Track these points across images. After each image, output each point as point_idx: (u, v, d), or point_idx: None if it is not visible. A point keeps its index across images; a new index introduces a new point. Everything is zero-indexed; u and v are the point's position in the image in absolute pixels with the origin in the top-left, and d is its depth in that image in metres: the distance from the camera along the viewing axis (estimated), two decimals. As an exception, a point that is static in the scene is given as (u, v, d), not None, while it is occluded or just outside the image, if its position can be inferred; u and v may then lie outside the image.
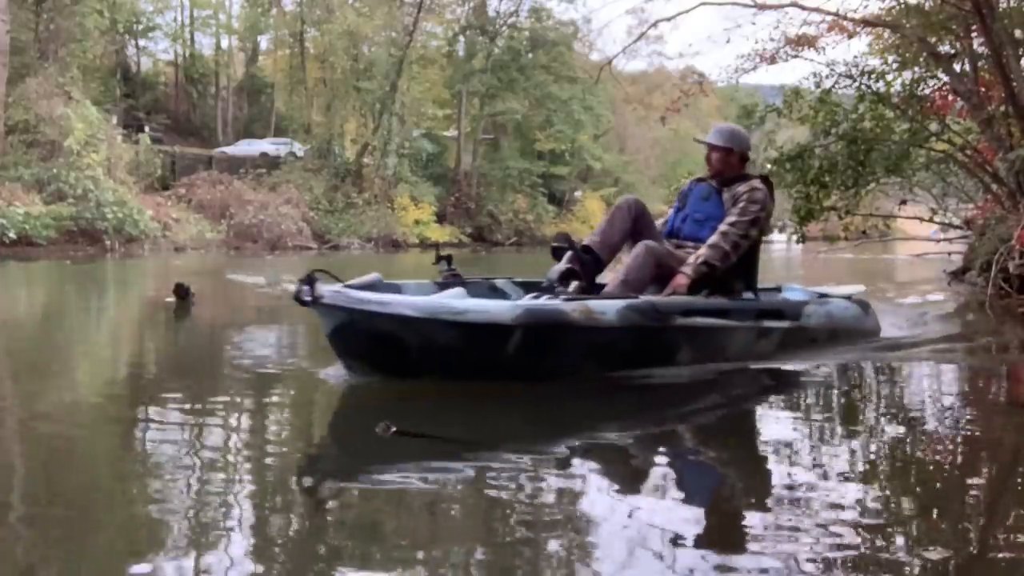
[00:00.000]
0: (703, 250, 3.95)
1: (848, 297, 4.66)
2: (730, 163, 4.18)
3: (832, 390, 3.67)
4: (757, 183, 4.10)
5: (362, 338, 3.19)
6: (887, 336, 4.84)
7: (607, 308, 3.40)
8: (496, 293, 4.11)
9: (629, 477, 2.36)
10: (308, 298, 3.07)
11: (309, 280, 3.10)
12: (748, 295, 4.27)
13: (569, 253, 3.87)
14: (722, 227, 3.98)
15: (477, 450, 2.52)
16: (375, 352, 3.25)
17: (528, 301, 3.43)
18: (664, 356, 3.67)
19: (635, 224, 4.11)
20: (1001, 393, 3.84)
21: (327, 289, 3.12)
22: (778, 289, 4.84)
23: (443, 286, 3.96)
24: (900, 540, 1.83)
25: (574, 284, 3.70)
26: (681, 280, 3.86)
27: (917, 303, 7.61)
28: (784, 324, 4.12)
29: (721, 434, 2.97)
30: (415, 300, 3.26)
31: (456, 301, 3.32)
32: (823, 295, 4.68)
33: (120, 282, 12.34)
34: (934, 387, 3.83)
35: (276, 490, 2.18)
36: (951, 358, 4.51)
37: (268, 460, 2.49)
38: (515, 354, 3.26)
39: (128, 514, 1.99)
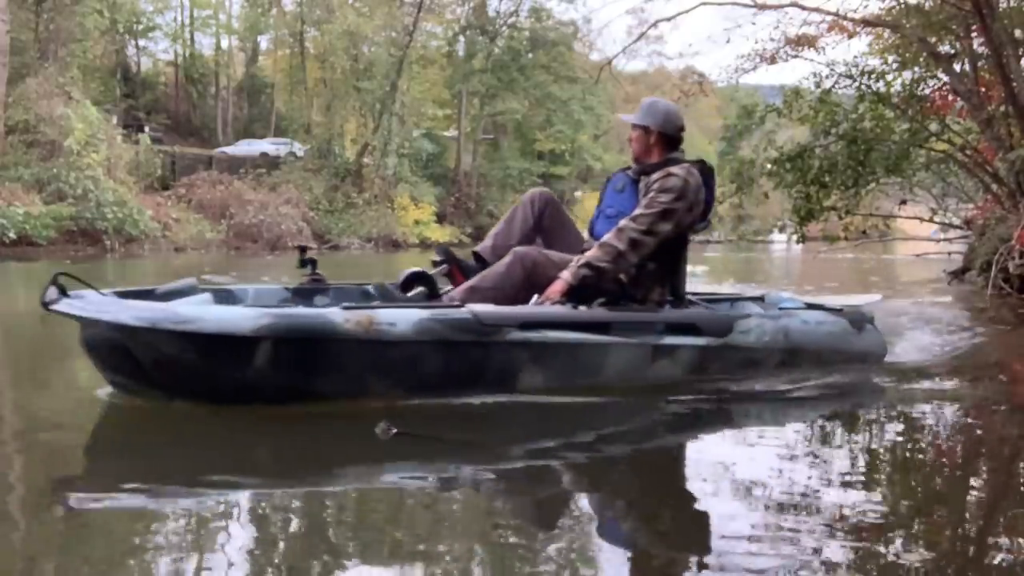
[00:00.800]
0: (592, 250, 3.30)
1: (838, 309, 3.78)
2: (646, 144, 3.50)
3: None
4: (676, 168, 3.38)
5: (103, 350, 2.83)
6: (898, 361, 4.00)
7: (400, 319, 2.83)
8: (366, 300, 3.47)
9: (631, 481, 2.36)
10: (47, 302, 2.79)
11: (54, 284, 2.82)
12: (711, 304, 3.82)
13: (444, 265, 3.45)
14: (622, 222, 3.33)
15: (479, 452, 2.52)
16: (117, 366, 2.87)
17: (281, 309, 2.90)
18: (499, 379, 3.00)
19: (540, 221, 3.57)
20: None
21: (71, 295, 2.81)
22: (761, 298, 4.24)
23: (298, 292, 3.57)
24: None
25: (417, 290, 3.26)
26: (556, 287, 3.21)
27: (932, 317, 6.42)
28: (699, 341, 3.32)
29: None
30: (141, 307, 2.75)
31: (185, 308, 2.79)
32: (814, 306, 3.91)
33: (121, 282, 12.34)
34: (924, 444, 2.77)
35: (274, 490, 2.18)
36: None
37: (266, 460, 2.49)
38: (267, 372, 2.75)
39: (129, 515, 1.99)
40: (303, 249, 3.73)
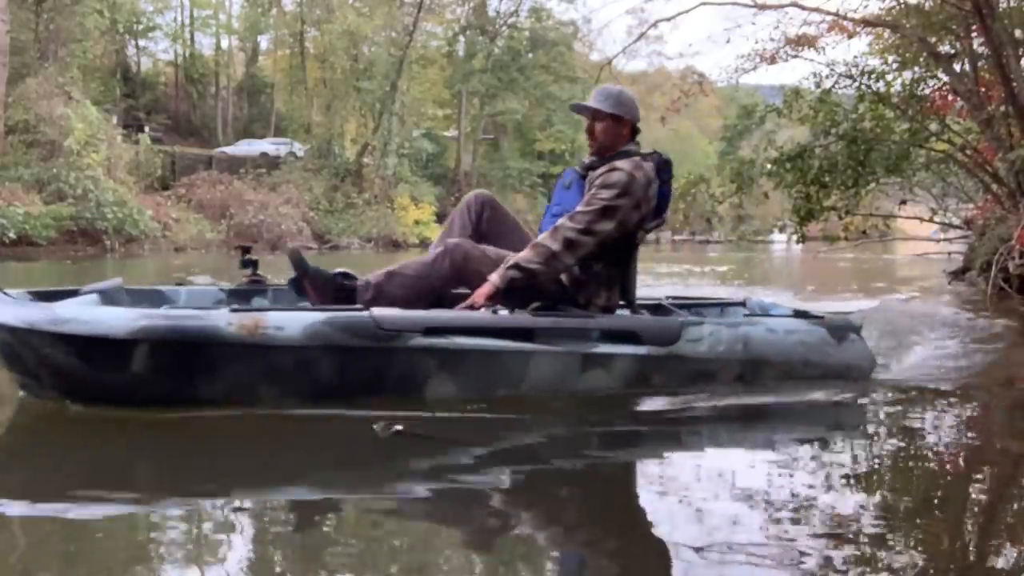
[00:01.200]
0: (525, 250, 3.09)
1: (816, 316, 3.44)
2: (617, 135, 3.26)
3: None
4: (622, 162, 3.14)
5: (3, 351, 2.74)
6: (889, 368, 3.65)
7: (289, 322, 2.69)
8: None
9: (637, 481, 2.34)
10: None
11: None
12: (660, 311, 3.53)
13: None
14: (559, 220, 3.12)
15: (481, 451, 2.52)
16: (14, 368, 2.78)
17: (159, 310, 2.75)
18: (403, 387, 2.85)
19: (478, 225, 3.35)
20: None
21: None
22: (742, 303, 3.96)
23: (235, 293, 3.48)
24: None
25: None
26: (481, 290, 3.02)
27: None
28: (638, 351, 3.04)
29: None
30: (25, 307, 2.66)
31: (65, 309, 2.67)
32: (802, 313, 3.60)
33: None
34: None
35: (272, 492, 2.17)
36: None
37: (262, 461, 2.48)
38: (147, 376, 2.65)
39: (128, 519, 1.99)
40: (245, 249, 3.63)
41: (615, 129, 3.26)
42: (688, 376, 3.12)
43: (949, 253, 12.42)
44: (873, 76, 10.26)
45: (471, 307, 3.01)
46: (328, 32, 32.20)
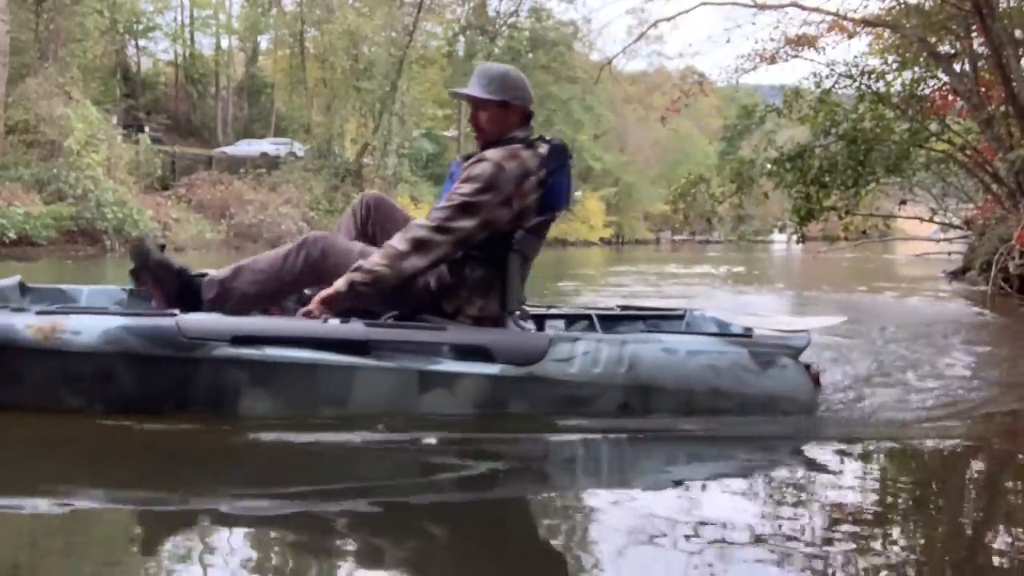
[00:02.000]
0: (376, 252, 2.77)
1: (741, 335, 2.87)
2: (506, 123, 2.89)
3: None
4: (493, 151, 2.80)
5: None
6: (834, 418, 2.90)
7: (87, 327, 2.52)
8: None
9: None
10: None
11: None
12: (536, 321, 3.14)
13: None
14: (417, 219, 2.85)
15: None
16: None
17: None
18: (213, 400, 2.61)
19: (364, 227, 3.05)
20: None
21: None
22: (680, 316, 3.43)
23: (135, 293, 3.33)
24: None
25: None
26: (323, 293, 2.72)
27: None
28: (489, 370, 2.63)
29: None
30: None
31: None
32: (724, 325, 3.13)
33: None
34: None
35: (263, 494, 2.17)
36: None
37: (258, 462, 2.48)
38: None
39: (117, 526, 1.99)
40: (161, 247, 3.45)
41: (503, 117, 2.86)
42: (555, 402, 2.66)
43: (949, 253, 12.44)
44: (873, 76, 10.28)
45: (309, 312, 2.71)
46: (328, 32, 32.20)
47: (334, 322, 2.64)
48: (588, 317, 3.38)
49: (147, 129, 29.29)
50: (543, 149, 2.85)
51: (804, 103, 10.17)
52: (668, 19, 23.03)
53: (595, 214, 42.15)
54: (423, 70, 36.31)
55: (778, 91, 11.79)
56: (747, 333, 2.87)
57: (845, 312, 7.55)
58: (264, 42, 39.67)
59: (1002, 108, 9.16)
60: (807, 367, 2.84)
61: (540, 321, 3.29)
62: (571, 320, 3.39)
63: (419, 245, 2.72)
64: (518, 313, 3.02)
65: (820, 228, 11.46)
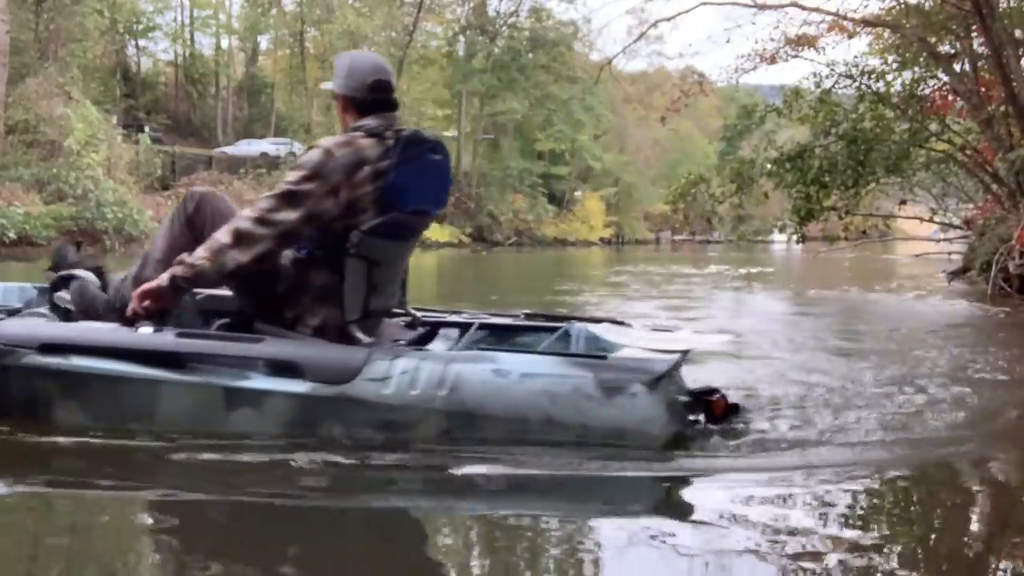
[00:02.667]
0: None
1: (593, 358, 2.49)
2: (342, 115, 2.71)
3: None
4: (327, 140, 2.61)
5: None
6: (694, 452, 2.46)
7: None
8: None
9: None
10: None
11: None
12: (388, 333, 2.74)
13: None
14: (244, 209, 2.61)
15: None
16: None
17: None
18: (29, 410, 2.50)
19: (192, 226, 2.72)
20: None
21: None
22: (551, 329, 2.97)
23: (45, 291, 3.19)
24: None
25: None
26: (147, 286, 2.53)
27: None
28: (297, 388, 2.40)
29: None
30: None
31: None
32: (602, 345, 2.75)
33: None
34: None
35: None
36: None
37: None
38: None
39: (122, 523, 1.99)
40: (77, 244, 3.24)
41: (341, 107, 2.68)
42: (370, 426, 2.39)
43: (949, 253, 12.45)
44: (873, 76, 10.29)
45: (140, 311, 2.53)
46: (328, 32, 32.21)
47: (147, 331, 2.46)
48: (487, 326, 3.02)
49: (147, 129, 29.28)
50: (392, 140, 2.56)
51: (804, 103, 10.18)
52: (668, 19, 23.06)
53: (595, 214, 42.17)
54: (423, 70, 36.32)
55: (778, 91, 11.80)
56: (600, 355, 2.49)
57: (846, 312, 7.58)
58: (264, 42, 39.70)
59: (1002, 108, 9.16)
60: (709, 393, 2.58)
61: (434, 330, 2.93)
62: (466, 329, 2.98)
63: (241, 238, 2.45)
64: (403, 322, 2.83)
65: (820, 228, 11.47)
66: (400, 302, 2.86)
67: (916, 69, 10.66)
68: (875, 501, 2.14)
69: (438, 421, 2.37)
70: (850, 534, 1.85)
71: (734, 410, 2.68)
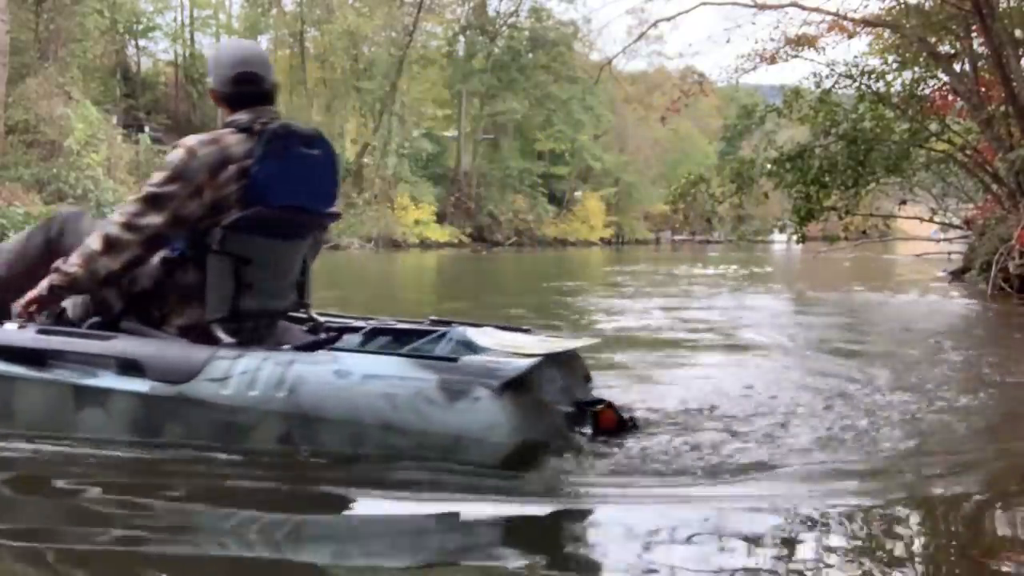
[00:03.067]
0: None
1: (439, 360, 2.31)
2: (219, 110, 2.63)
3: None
4: (190, 138, 2.54)
5: None
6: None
7: None
8: None
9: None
10: None
11: None
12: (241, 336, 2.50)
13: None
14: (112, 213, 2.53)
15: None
16: None
17: None
18: None
19: (51, 250, 2.62)
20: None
21: None
22: (428, 331, 2.78)
23: None
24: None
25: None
26: (30, 295, 2.47)
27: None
28: (139, 387, 2.30)
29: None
30: None
31: None
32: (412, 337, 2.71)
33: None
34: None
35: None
36: None
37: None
38: None
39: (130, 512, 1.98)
40: None
41: (215, 102, 2.66)
42: (211, 430, 2.27)
43: (949, 253, 12.46)
44: (873, 76, 10.29)
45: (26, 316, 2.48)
46: (328, 32, 32.22)
47: (11, 327, 2.43)
48: (389, 331, 2.87)
49: (147, 129, 29.28)
50: (260, 133, 2.47)
51: (804, 103, 10.19)
52: (668, 19, 23.05)
53: (595, 214, 42.17)
54: (423, 70, 36.32)
55: (778, 91, 11.80)
56: (451, 357, 2.32)
57: (845, 312, 7.58)
58: (264, 42, 39.63)
59: (1002, 108, 9.16)
60: (598, 405, 2.41)
61: (339, 335, 2.79)
62: (370, 334, 2.84)
63: (110, 245, 2.38)
64: (306, 327, 2.73)
65: (820, 228, 11.47)
66: (297, 304, 2.72)
67: (916, 69, 10.67)
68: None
69: (277, 424, 2.23)
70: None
71: (629, 425, 2.47)
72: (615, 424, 2.41)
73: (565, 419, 2.37)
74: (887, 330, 5.42)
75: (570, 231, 40.35)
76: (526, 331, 2.77)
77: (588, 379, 2.70)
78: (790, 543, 1.77)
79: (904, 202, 12.42)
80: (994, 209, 10.47)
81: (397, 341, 2.80)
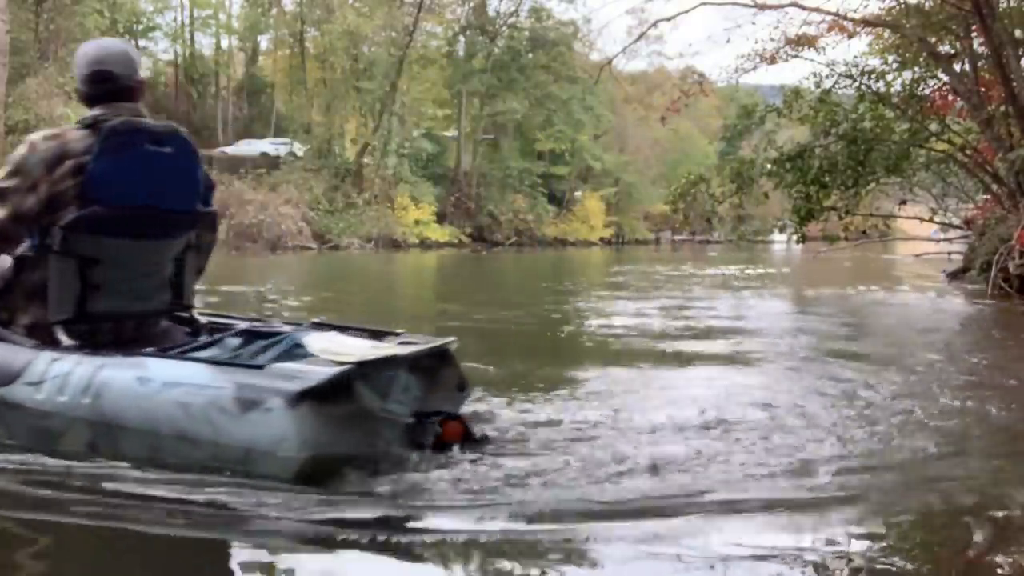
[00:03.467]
0: None
1: (249, 367, 2.19)
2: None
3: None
4: (36, 134, 2.48)
5: None
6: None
7: None
8: None
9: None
10: None
11: None
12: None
13: None
14: None
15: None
16: None
17: None
18: None
19: None
20: None
21: None
22: (267, 335, 2.56)
23: None
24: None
25: None
26: None
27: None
28: None
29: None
30: None
31: None
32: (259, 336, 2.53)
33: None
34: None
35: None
36: None
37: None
38: None
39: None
40: None
41: (80, 101, 2.60)
42: (29, 434, 2.21)
43: (949, 253, 12.45)
44: (873, 76, 10.29)
45: None
46: (328, 32, 32.21)
47: None
48: (263, 334, 2.69)
49: (147, 129, 29.28)
50: (102, 128, 2.41)
51: (804, 103, 10.19)
52: (668, 19, 23.00)
53: (595, 214, 42.16)
54: (423, 70, 36.30)
55: (778, 91, 11.80)
56: (257, 364, 2.19)
57: (846, 313, 7.56)
58: (264, 42, 39.70)
59: (1002, 108, 9.16)
60: (444, 418, 2.28)
61: (220, 337, 2.64)
62: (250, 335, 2.67)
63: None
64: (188, 329, 2.65)
65: (820, 228, 11.47)
66: (173, 305, 2.63)
67: (916, 69, 10.67)
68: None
69: (83, 431, 2.16)
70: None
71: (480, 439, 2.35)
72: (461, 437, 2.28)
73: (403, 431, 2.22)
74: (887, 332, 5.42)
75: (570, 231, 40.35)
76: (389, 335, 2.57)
77: (462, 388, 2.54)
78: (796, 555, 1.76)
79: (904, 202, 12.42)
80: (994, 209, 10.47)
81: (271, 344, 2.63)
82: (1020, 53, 8.89)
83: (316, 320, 2.68)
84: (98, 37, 27.22)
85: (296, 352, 2.34)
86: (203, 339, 2.57)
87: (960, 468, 2.40)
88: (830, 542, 1.79)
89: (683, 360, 4.38)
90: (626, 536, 1.79)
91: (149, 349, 2.34)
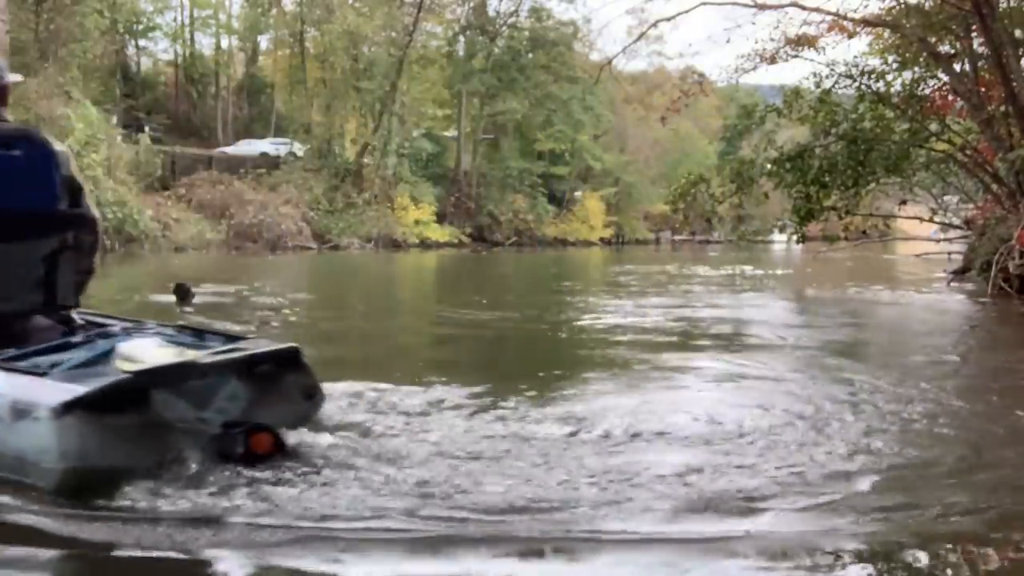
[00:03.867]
0: None
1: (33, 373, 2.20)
2: None
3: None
4: None
5: None
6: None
7: None
8: None
9: None
10: None
11: None
12: None
13: None
14: None
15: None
16: None
17: None
18: None
19: None
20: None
21: None
22: (103, 330, 2.60)
23: None
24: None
25: None
26: None
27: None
28: None
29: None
30: None
31: None
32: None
33: (120, 281, 12.33)
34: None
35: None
36: None
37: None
38: None
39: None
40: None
41: None
42: None
43: (949, 253, 12.46)
44: (873, 76, 10.29)
45: None
46: (328, 32, 32.18)
47: None
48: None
49: (147, 129, 29.25)
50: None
51: (804, 103, 10.19)
52: (668, 19, 22.97)
53: (595, 214, 42.15)
54: (423, 70, 36.28)
55: (778, 91, 11.80)
56: (42, 371, 2.17)
57: (846, 313, 7.56)
58: (264, 42, 39.68)
59: (1002, 108, 9.16)
60: (251, 428, 2.20)
61: (96, 335, 2.64)
62: (101, 338, 2.64)
63: None
64: (65, 329, 2.63)
65: (820, 228, 11.47)
66: (47, 305, 2.61)
67: (916, 69, 10.67)
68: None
69: None
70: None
71: (291, 450, 2.30)
72: (271, 448, 2.21)
73: (208, 442, 2.15)
74: (888, 332, 5.41)
75: (570, 231, 40.33)
76: (240, 338, 2.52)
77: (311, 395, 2.46)
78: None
79: (904, 202, 12.42)
80: (994, 209, 10.47)
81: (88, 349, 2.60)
82: (1020, 53, 8.89)
83: (181, 323, 2.70)
84: (98, 37, 27.28)
85: (99, 360, 2.29)
86: (59, 341, 2.51)
87: (973, 473, 2.40)
88: (835, 545, 1.79)
89: (683, 362, 4.36)
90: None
91: None
